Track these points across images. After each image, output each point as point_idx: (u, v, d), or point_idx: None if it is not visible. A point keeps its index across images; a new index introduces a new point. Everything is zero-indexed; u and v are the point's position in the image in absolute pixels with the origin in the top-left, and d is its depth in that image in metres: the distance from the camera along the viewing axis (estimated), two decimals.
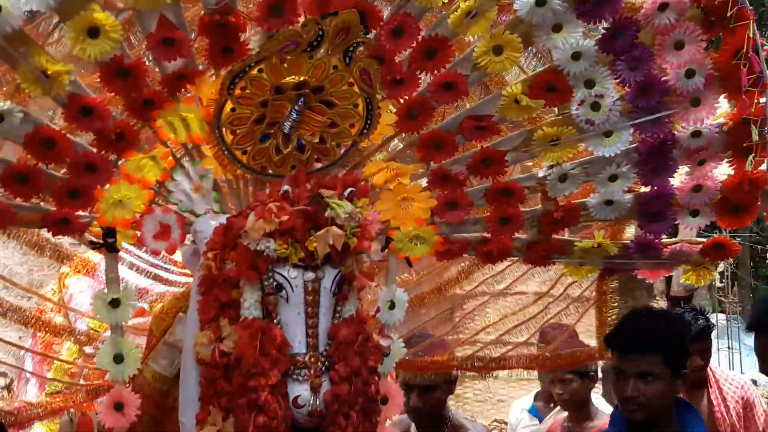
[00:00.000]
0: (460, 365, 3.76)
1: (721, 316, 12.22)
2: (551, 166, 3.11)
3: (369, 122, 2.94)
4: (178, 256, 3.30)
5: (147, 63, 2.83)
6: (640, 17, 2.89)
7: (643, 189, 3.21)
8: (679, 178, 3.18)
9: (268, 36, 2.73)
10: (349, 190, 2.71)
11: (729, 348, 12.06)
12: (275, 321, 2.62)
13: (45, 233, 3.14)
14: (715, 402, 4.58)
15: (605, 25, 2.90)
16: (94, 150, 2.79)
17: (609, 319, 3.68)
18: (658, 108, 2.99)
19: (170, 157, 2.89)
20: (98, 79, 2.71)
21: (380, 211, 2.98)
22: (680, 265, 3.42)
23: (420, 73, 2.91)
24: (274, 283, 2.63)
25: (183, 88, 2.81)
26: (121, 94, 2.76)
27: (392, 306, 3.11)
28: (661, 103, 2.99)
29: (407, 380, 3.92)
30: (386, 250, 3.11)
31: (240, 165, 2.91)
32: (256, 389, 2.54)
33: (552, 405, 5.11)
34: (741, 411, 4.57)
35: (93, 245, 2.92)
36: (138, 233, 2.88)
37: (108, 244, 2.87)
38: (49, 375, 3.91)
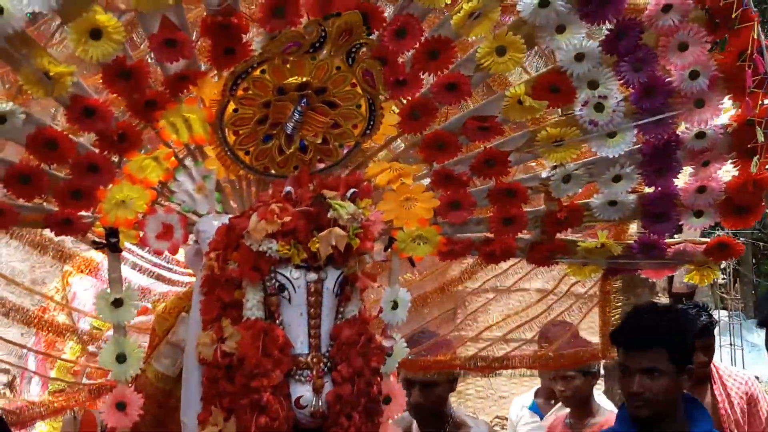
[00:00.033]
0: (463, 365, 3.77)
1: (723, 312, 12.20)
2: (555, 167, 3.11)
3: (372, 123, 2.94)
4: (181, 255, 3.30)
5: (149, 60, 2.84)
6: (643, 18, 2.89)
7: (647, 190, 3.21)
8: (684, 178, 3.17)
9: (271, 37, 2.73)
10: (352, 191, 2.71)
11: (731, 345, 12.05)
12: (277, 322, 2.63)
13: (48, 233, 3.13)
14: (719, 398, 4.59)
15: (609, 26, 2.89)
16: (97, 151, 2.80)
17: (612, 318, 3.67)
18: (662, 109, 2.99)
19: (173, 158, 2.90)
20: (100, 80, 2.71)
21: (383, 211, 2.98)
22: (684, 265, 3.42)
23: (423, 74, 2.91)
24: (277, 284, 2.63)
25: (185, 89, 2.81)
26: (123, 95, 2.77)
27: (395, 306, 3.11)
28: (665, 105, 2.98)
29: (408, 376, 3.93)
30: (389, 251, 3.11)
31: (243, 165, 2.92)
32: (258, 390, 2.55)
33: (552, 402, 5.13)
34: (745, 407, 4.58)
35: (96, 245, 2.93)
36: (141, 233, 2.88)
37: (111, 245, 2.87)
38: (52, 374, 3.92)
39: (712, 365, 4.68)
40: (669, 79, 2.96)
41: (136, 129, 2.82)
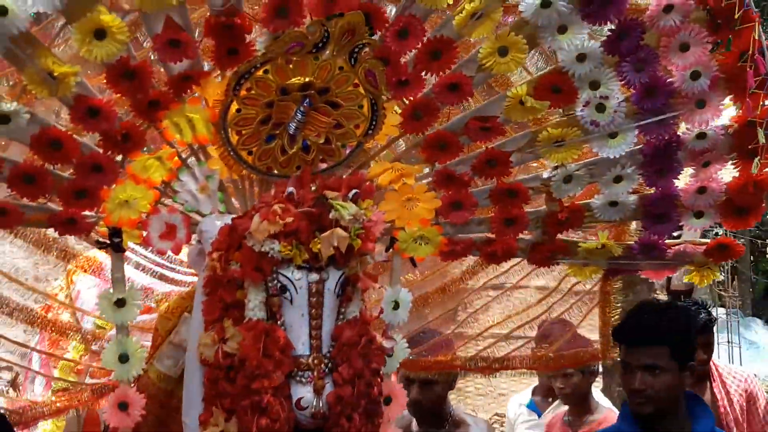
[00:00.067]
0: (463, 365, 3.76)
1: (721, 310, 12.19)
2: (556, 167, 3.11)
3: (374, 123, 2.95)
4: (184, 255, 3.30)
5: (152, 59, 2.84)
6: (645, 19, 2.89)
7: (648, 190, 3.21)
8: (684, 179, 3.17)
9: (274, 37, 2.73)
10: (354, 191, 2.70)
11: (729, 342, 12.03)
12: (279, 322, 2.62)
13: (51, 233, 3.13)
14: (718, 396, 4.58)
15: (610, 26, 2.89)
16: (101, 150, 2.80)
17: (612, 319, 3.67)
18: (663, 110, 2.99)
19: (176, 158, 2.89)
20: (104, 81, 2.71)
21: (385, 211, 2.98)
22: (684, 265, 3.41)
23: (425, 74, 2.91)
24: (279, 285, 2.63)
25: (189, 89, 2.81)
26: (127, 95, 2.77)
27: (396, 306, 3.10)
28: (666, 105, 2.99)
29: (408, 374, 3.93)
30: (391, 251, 3.11)
31: (245, 165, 2.92)
32: (259, 391, 2.55)
33: (550, 399, 5.14)
34: (744, 404, 4.57)
35: (99, 245, 2.93)
36: (144, 233, 2.88)
37: (114, 244, 2.87)
38: (56, 373, 3.92)
39: (711, 363, 4.67)
40: (670, 79, 2.96)
41: (140, 129, 2.82)
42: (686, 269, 3.46)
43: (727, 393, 4.60)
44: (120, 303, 2.87)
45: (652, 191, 3.18)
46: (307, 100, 2.81)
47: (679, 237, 3.39)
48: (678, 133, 3.06)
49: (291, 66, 2.78)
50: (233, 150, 2.89)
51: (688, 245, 3.35)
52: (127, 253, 3.19)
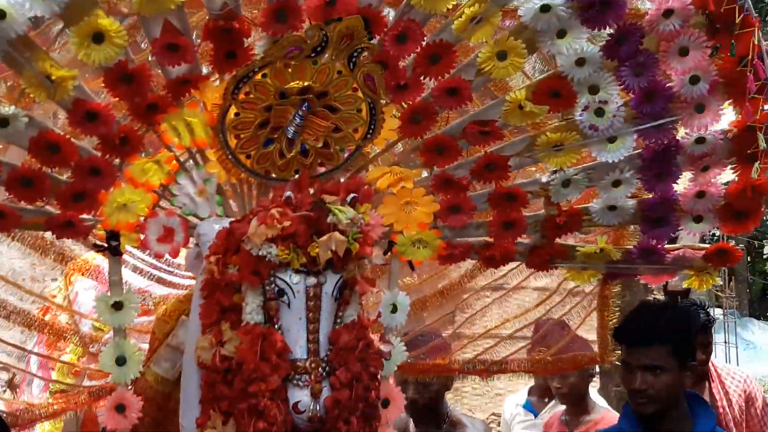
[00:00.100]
0: (461, 369, 3.75)
1: (718, 310, 12.21)
2: (554, 172, 3.10)
3: (373, 127, 2.95)
4: (182, 259, 3.29)
5: (150, 58, 2.83)
6: (644, 23, 2.88)
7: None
8: (683, 184, 3.16)
9: (273, 41, 2.72)
10: (352, 195, 2.70)
11: (726, 342, 12.05)
12: (276, 326, 2.62)
13: (49, 236, 3.12)
14: (717, 396, 4.58)
15: (610, 31, 2.88)
16: (99, 154, 2.79)
17: (611, 323, 3.66)
18: (662, 114, 2.98)
19: (174, 161, 2.88)
20: (102, 84, 2.70)
21: (383, 215, 2.99)
22: (683, 270, 3.40)
23: (424, 79, 2.90)
24: (276, 289, 2.62)
25: (187, 93, 2.80)
26: (125, 99, 2.76)
27: (394, 309, 3.10)
28: (665, 109, 2.97)
29: (404, 375, 3.92)
30: (389, 254, 3.10)
31: (244, 169, 2.92)
32: (257, 395, 2.55)
33: (546, 399, 5.15)
34: (743, 405, 4.57)
35: (97, 248, 2.92)
36: (142, 236, 2.87)
37: (112, 247, 2.86)
38: (54, 375, 3.92)
39: (710, 364, 4.67)
40: (669, 84, 2.95)
41: (138, 133, 2.81)
42: (685, 273, 3.45)
43: (726, 393, 4.60)
44: (117, 306, 2.87)
45: (651, 195, 3.16)
46: (306, 104, 2.81)
47: (675, 240, 3.38)
48: (677, 137, 3.05)
49: (290, 70, 2.77)
50: (231, 154, 2.89)
51: (687, 250, 3.35)
52: (125, 257, 3.18)
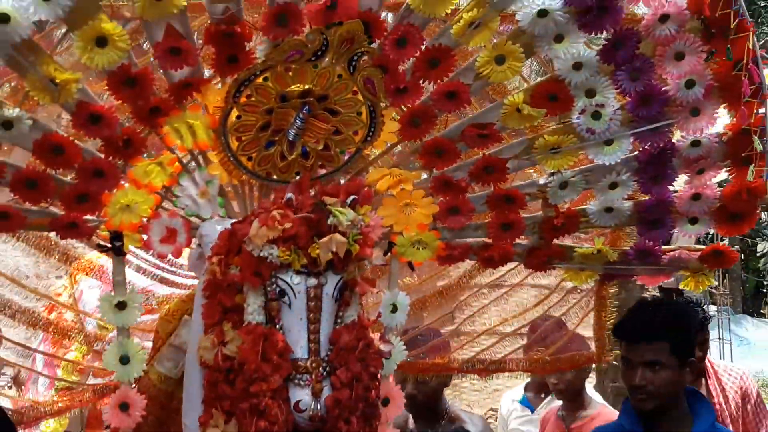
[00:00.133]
0: (460, 368, 3.75)
1: (712, 307, 12.23)
2: (552, 174, 3.10)
3: (372, 130, 2.95)
4: (184, 259, 3.29)
5: (152, 60, 2.82)
6: (641, 28, 2.88)
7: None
8: (679, 186, 3.16)
9: (274, 45, 2.73)
10: (352, 197, 2.70)
11: (720, 339, 12.07)
12: (278, 326, 2.62)
13: (53, 236, 3.12)
14: (714, 392, 4.57)
15: (606, 35, 2.88)
16: (102, 156, 2.79)
17: (608, 323, 3.66)
18: (658, 117, 2.98)
19: (177, 163, 2.88)
20: (106, 87, 2.70)
21: (383, 216, 2.98)
22: (679, 271, 3.40)
23: (423, 82, 2.90)
24: (277, 289, 2.62)
25: (189, 96, 2.80)
26: (128, 102, 2.76)
27: (394, 309, 3.10)
28: (661, 113, 2.97)
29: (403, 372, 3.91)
30: (389, 255, 3.10)
31: (245, 171, 2.92)
32: (258, 394, 2.54)
33: (542, 395, 5.14)
34: (739, 401, 4.56)
35: (101, 249, 2.92)
36: (145, 237, 2.87)
37: (115, 248, 2.87)
38: (59, 372, 3.92)
39: (707, 360, 4.67)
40: (665, 88, 2.95)
41: (141, 135, 2.81)
42: (681, 274, 3.44)
43: (723, 390, 4.59)
44: (121, 306, 2.87)
45: (647, 198, 3.16)
46: (307, 107, 2.81)
47: (669, 242, 3.38)
48: (673, 140, 3.05)
49: (290, 74, 2.77)
50: (233, 156, 2.88)
51: (683, 251, 3.34)
52: (128, 257, 3.18)
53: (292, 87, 2.78)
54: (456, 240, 3.20)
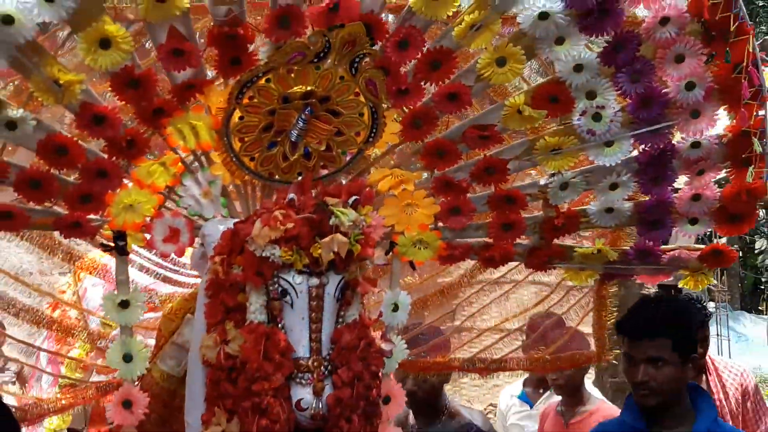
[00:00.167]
0: (461, 366, 3.75)
1: (711, 304, 12.23)
2: (553, 175, 3.09)
3: (374, 131, 2.94)
4: (187, 258, 3.28)
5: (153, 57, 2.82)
6: (641, 31, 2.87)
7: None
8: (679, 186, 3.15)
9: (276, 47, 2.72)
10: (354, 198, 2.70)
11: (718, 335, 12.07)
12: (280, 325, 2.62)
13: (57, 235, 3.12)
14: (714, 389, 4.56)
15: (607, 38, 2.86)
16: (106, 156, 2.79)
17: (608, 322, 3.66)
18: (658, 119, 2.97)
19: (180, 164, 2.88)
20: (109, 88, 2.69)
21: (385, 216, 2.98)
22: (678, 270, 3.40)
23: (425, 84, 2.89)
24: (279, 289, 2.62)
25: (192, 97, 2.80)
26: (131, 103, 2.76)
27: (396, 308, 3.10)
28: (661, 115, 2.97)
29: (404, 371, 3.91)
30: (390, 254, 3.09)
31: (248, 171, 2.92)
32: (260, 393, 2.54)
33: (541, 390, 5.14)
34: (740, 398, 4.55)
35: (104, 248, 2.92)
36: (148, 236, 2.87)
37: (119, 247, 2.86)
38: (62, 369, 3.92)
39: (707, 357, 4.66)
40: (665, 90, 2.94)
41: (144, 135, 2.81)
42: (680, 273, 3.44)
43: (723, 386, 4.58)
44: (124, 304, 2.87)
45: (647, 198, 3.16)
46: (309, 108, 2.80)
47: (667, 241, 3.37)
48: (673, 142, 3.05)
49: (293, 75, 2.77)
50: (236, 156, 2.88)
51: (683, 251, 3.34)
52: (132, 256, 3.17)
53: (295, 88, 2.78)
54: (457, 240, 3.19)
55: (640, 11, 2.88)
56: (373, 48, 2.77)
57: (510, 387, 5.49)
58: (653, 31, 2.85)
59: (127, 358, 2.86)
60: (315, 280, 2.62)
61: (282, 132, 2.84)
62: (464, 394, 7.14)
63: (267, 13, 2.69)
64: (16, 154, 2.83)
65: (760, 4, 18.47)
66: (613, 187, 3.09)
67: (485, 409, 6.80)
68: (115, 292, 2.88)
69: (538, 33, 2.80)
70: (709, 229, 3.30)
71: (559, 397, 4.72)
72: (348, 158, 2.98)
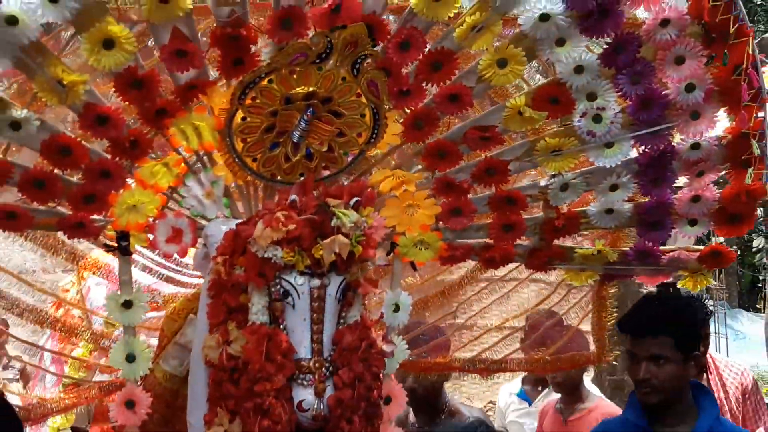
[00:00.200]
0: (461, 367, 3.73)
1: (708, 302, 12.23)
2: (553, 176, 3.07)
3: (376, 132, 2.92)
4: (189, 258, 3.27)
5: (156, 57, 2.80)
6: (641, 33, 2.85)
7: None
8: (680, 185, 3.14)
9: (279, 48, 2.70)
10: (355, 199, 2.68)
11: (716, 333, 12.05)
12: (281, 326, 2.60)
13: (61, 235, 3.10)
14: (714, 388, 4.55)
15: (608, 39, 2.85)
16: (109, 157, 2.77)
17: (608, 323, 3.64)
18: (658, 121, 2.95)
19: (182, 164, 2.87)
20: (113, 89, 2.68)
21: (386, 217, 2.97)
22: (678, 271, 3.38)
23: (426, 85, 2.87)
24: (281, 290, 2.60)
25: (195, 98, 2.78)
26: (135, 104, 2.74)
27: (397, 309, 3.08)
28: (661, 116, 2.95)
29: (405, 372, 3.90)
30: (391, 255, 3.08)
31: (250, 172, 2.90)
32: (262, 394, 2.53)
33: (539, 388, 5.14)
34: (740, 397, 4.55)
35: (107, 248, 2.90)
36: (151, 237, 2.85)
37: (122, 247, 2.85)
38: (66, 368, 3.90)
39: (708, 355, 4.64)
40: (665, 91, 2.92)
41: (147, 136, 2.79)
42: (680, 274, 3.42)
43: (724, 385, 4.57)
44: (127, 304, 2.85)
45: (647, 199, 3.14)
46: (311, 109, 2.79)
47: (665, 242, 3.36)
48: (673, 143, 3.03)
49: (295, 76, 2.75)
50: (238, 157, 2.87)
51: (682, 252, 3.32)
52: (134, 256, 3.15)
53: (297, 89, 2.76)
54: (458, 240, 3.18)
55: (641, 13, 2.86)
56: (375, 49, 2.75)
57: (509, 385, 5.49)
58: (653, 32, 2.83)
59: (130, 358, 2.85)
60: (316, 281, 2.61)
61: (284, 133, 2.82)
62: (464, 392, 7.11)
63: (269, 14, 2.67)
64: (20, 154, 2.81)
65: (759, 3, 18.45)
66: (613, 188, 3.07)
67: (485, 406, 6.77)
68: (119, 292, 2.87)
69: (538, 34, 2.78)
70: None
71: (558, 395, 4.72)
72: (350, 159, 2.96)
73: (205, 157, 2.90)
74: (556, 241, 3.23)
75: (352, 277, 2.65)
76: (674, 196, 3.11)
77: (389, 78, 2.81)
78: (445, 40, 2.82)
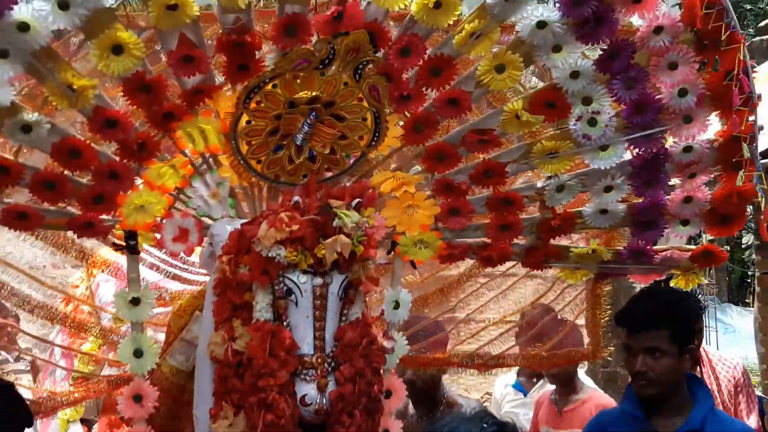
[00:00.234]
0: (460, 362, 3.74)
1: (700, 297, 12.23)
2: (549, 177, 3.09)
3: (377, 135, 2.94)
4: (196, 257, 3.28)
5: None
6: (636, 39, 2.85)
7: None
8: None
9: (283, 54, 2.71)
10: (357, 200, 2.70)
11: (707, 326, 12.06)
12: (285, 323, 2.63)
13: (70, 235, 3.12)
14: (707, 381, 4.55)
15: (603, 46, 2.86)
16: (118, 159, 2.79)
17: (603, 321, 3.65)
18: (651, 124, 2.95)
19: (189, 166, 2.89)
20: (121, 93, 2.69)
21: (387, 217, 2.99)
22: (670, 270, 3.39)
23: (426, 90, 2.88)
24: (285, 288, 2.62)
25: (201, 102, 2.80)
26: (143, 107, 2.75)
27: (397, 306, 3.10)
28: (654, 120, 2.95)
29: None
30: (392, 254, 3.10)
31: (255, 174, 2.92)
32: (266, 389, 2.56)
33: (534, 379, 5.15)
34: (732, 390, 4.56)
35: (116, 247, 2.92)
36: (158, 236, 2.88)
37: (130, 246, 2.87)
38: (76, 362, 3.92)
39: (702, 349, 4.65)
40: (659, 96, 2.92)
41: (155, 139, 2.81)
42: (672, 273, 3.44)
43: (717, 378, 4.58)
44: (135, 301, 2.87)
45: (641, 200, 3.15)
46: (314, 113, 2.80)
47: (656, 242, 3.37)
48: (666, 146, 3.03)
49: (298, 81, 2.76)
50: (243, 159, 2.88)
51: (675, 251, 3.34)
52: (142, 254, 3.17)
53: (300, 94, 2.78)
54: (456, 240, 3.20)
55: (635, 20, 2.86)
56: (376, 55, 2.77)
57: (504, 376, 5.49)
58: (647, 39, 2.83)
59: (138, 353, 2.87)
60: (319, 280, 2.63)
61: (288, 136, 2.84)
62: (461, 383, 7.14)
63: (274, 21, 2.68)
64: (31, 156, 2.83)
65: (748, 8, 18.42)
66: (608, 189, 3.08)
67: (482, 397, 6.80)
68: (127, 290, 2.89)
69: (536, 41, 2.79)
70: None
71: (553, 386, 4.74)
72: (351, 161, 2.98)
73: (210, 159, 2.91)
74: (552, 241, 3.25)
75: (354, 275, 2.68)
76: (667, 197, 3.12)
77: (390, 83, 2.82)
78: (445, 47, 2.83)
